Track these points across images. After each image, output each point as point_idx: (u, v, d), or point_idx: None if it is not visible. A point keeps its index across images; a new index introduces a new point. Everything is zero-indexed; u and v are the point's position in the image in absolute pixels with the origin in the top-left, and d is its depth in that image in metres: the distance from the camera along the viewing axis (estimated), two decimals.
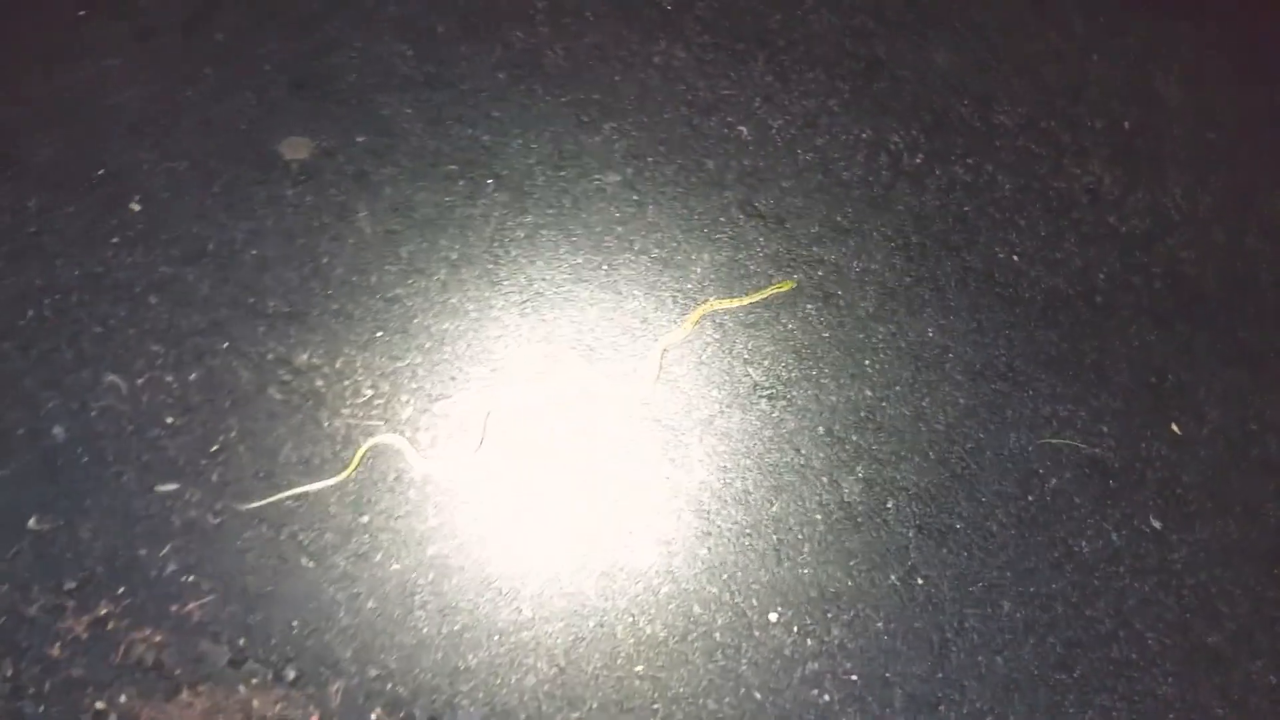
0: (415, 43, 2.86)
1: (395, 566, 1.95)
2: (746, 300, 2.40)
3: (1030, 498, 2.14)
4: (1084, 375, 2.36)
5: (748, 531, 2.06)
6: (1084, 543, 2.10)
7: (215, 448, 2.09)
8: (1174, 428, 2.28)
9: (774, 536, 2.06)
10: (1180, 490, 2.18)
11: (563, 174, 2.64)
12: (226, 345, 2.24)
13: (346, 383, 2.19)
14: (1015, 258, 2.59)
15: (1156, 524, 2.13)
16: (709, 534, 2.05)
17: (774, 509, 2.10)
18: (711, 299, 2.39)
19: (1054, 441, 2.23)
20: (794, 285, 2.47)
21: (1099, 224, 2.72)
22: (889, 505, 2.12)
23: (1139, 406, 2.32)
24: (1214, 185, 2.91)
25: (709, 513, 2.08)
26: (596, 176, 2.64)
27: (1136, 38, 3.30)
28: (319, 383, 2.19)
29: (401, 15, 2.93)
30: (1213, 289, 2.60)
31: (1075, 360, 2.39)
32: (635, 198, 2.61)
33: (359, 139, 2.61)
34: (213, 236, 2.41)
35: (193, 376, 2.19)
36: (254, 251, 2.38)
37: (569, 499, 2.05)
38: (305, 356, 2.23)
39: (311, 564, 1.95)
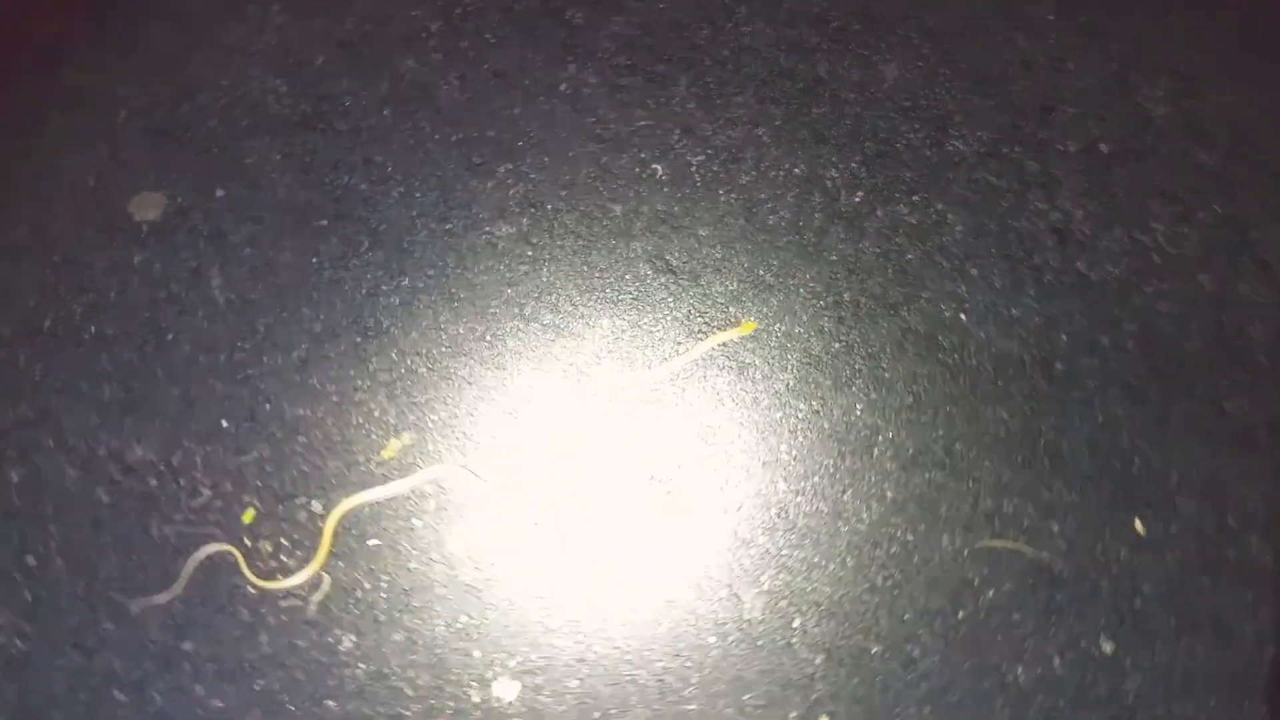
0: (290, 77, 2.67)
1: (217, 704, 1.79)
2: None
3: (961, 614, 1.93)
4: (1036, 461, 2.13)
5: (628, 658, 1.87)
6: (1020, 669, 1.88)
7: (31, 561, 1.94)
8: (1137, 525, 2.06)
9: (659, 664, 1.87)
10: (1140, 603, 1.96)
11: (448, 226, 2.44)
12: (54, 440, 2.08)
13: (182, 481, 2.03)
14: (963, 316, 2.36)
15: (1108, 647, 1.91)
16: (582, 661, 1.87)
17: (660, 629, 1.91)
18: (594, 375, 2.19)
19: (994, 544, 2.01)
20: (754, 327, 2.27)
21: (1065, 271, 2.48)
22: (795, 624, 1.92)
23: (1098, 499, 2.09)
24: (1204, 219, 2.64)
25: (584, 636, 1.89)
26: (486, 229, 2.45)
27: (1120, 41, 3.02)
28: (152, 482, 2.03)
29: (276, 46, 2.74)
30: (1196, 349, 2.35)
31: (1027, 442, 2.16)
32: (530, 253, 2.42)
33: (219, 193, 2.43)
34: (49, 313, 2.25)
35: (16, 477, 2.04)
36: (93, 329, 2.22)
37: (424, 622, 1.87)
38: (140, 451, 2.07)
39: (125, 698, 1.80)
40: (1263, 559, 2.06)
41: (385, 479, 2.04)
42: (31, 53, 2.64)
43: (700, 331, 2.31)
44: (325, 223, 2.41)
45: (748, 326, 2.29)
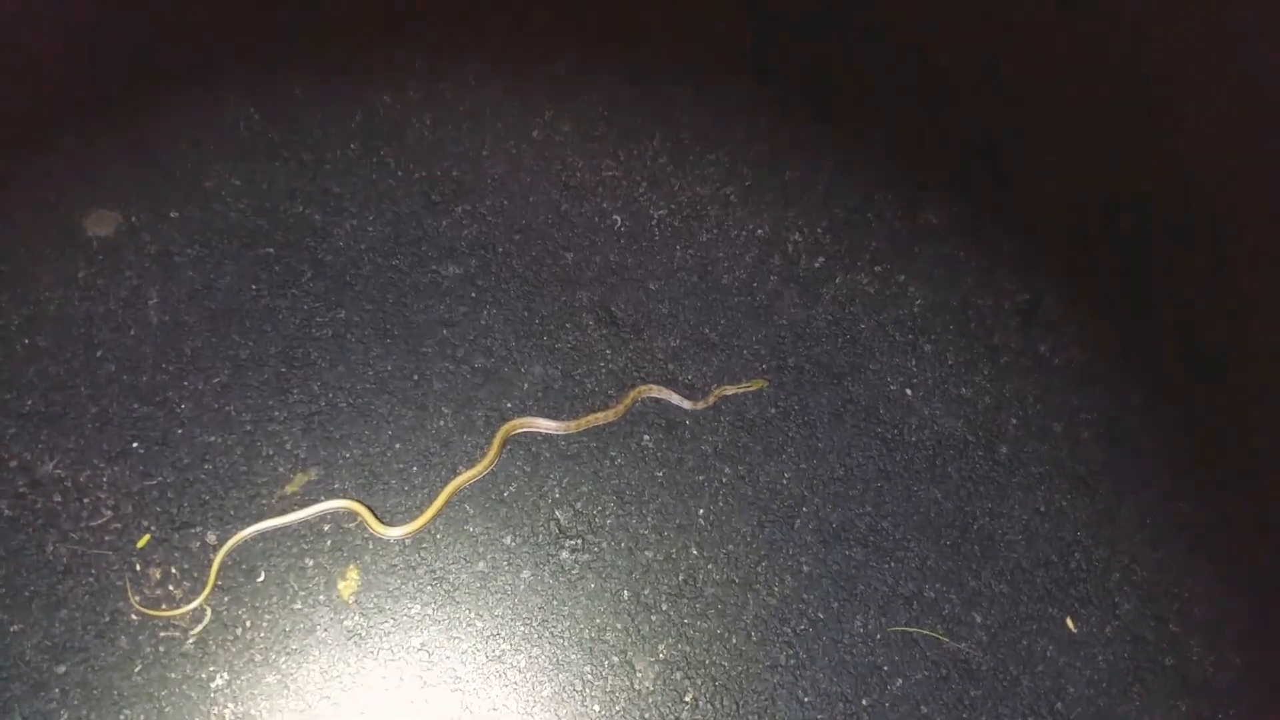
0: (265, 106, 2.81)
1: None
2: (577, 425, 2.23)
3: (865, 701, 1.89)
4: (966, 547, 2.10)
5: None
6: None
7: None
8: (1069, 623, 2.00)
9: None
10: (1062, 706, 1.90)
11: (395, 262, 2.52)
12: None
13: (86, 500, 2.09)
14: (909, 391, 2.35)
15: None
16: (458, 719, 1.85)
17: (545, 692, 1.90)
18: (515, 418, 2.22)
19: (910, 630, 1.97)
20: (764, 385, 2.33)
21: (1025, 353, 2.46)
22: (688, 698, 1.89)
23: (1029, 592, 2.05)
24: (1187, 312, 2.62)
25: (465, 692, 1.88)
26: (433, 268, 2.52)
27: (1127, 128, 3.05)
28: (57, 498, 2.09)
29: (258, 74, 2.89)
30: (1155, 445, 2.31)
31: (959, 526, 2.13)
32: (473, 295, 2.48)
33: (172, 214, 2.55)
34: None
35: None
36: (26, 341, 2.31)
37: (299, 666, 1.88)
38: (50, 466, 2.13)
39: None
40: (1203, 668, 1.99)
41: (284, 514, 2.07)
42: (17, 60, 2.83)
43: (634, 386, 2.33)
44: (271, 250, 2.50)
45: (757, 384, 2.31)
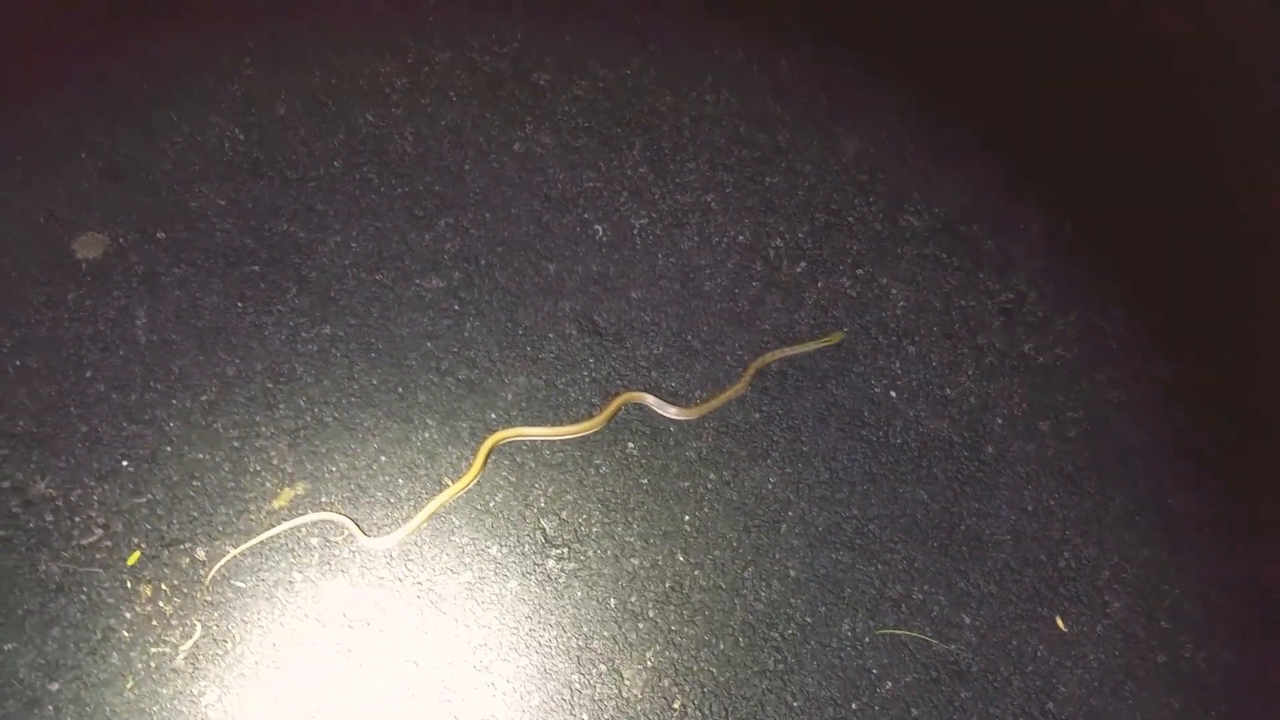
0: (249, 126, 2.86)
1: None
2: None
3: (855, 705, 1.91)
4: (953, 548, 2.12)
5: None
6: None
7: None
8: (1059, 622, 2.02)
9: None
10: (1053, 706, 1.92)
11: (379, 277, 2.56)
12: None
13: (77, 519, 2.13)
14: (893, 394, 2.38)
15: None
16: None
17: (533, 701, 1.92)
18: (501, 429, 2.25)
19: (898, 633, 2.00)
20: (841, 337, 2.43)
21: (1009, 353, 2.49)
22: (675, 705, 1.92)
23: (1018, 592, 2.07)
24: (1171, 307, 2.65)
25: (453, 702, 1.91)
26: (416, 281, 2.56)
27: (1106, 124, 3.09)
28: (49, 517, 2.13)
29: (243, 95, 2.95)
30: (1143, 442, 2.33)
31: (946, 527, 2.16)
32: (456, 307, 2.52)
33: (159, 234, 2.59)
34: None
35: None
36: (18, 363, 2.36)
37: (288, 679, 1.91)
38: (42, 486, 2.17)
39: None
40: (1195, 664, 2.01)
41: (269, 530, 2.11)
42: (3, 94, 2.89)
43: (618, 393, 2.36)
44: (257, 268, 2.54)
45: (835, 337, 2.42)
